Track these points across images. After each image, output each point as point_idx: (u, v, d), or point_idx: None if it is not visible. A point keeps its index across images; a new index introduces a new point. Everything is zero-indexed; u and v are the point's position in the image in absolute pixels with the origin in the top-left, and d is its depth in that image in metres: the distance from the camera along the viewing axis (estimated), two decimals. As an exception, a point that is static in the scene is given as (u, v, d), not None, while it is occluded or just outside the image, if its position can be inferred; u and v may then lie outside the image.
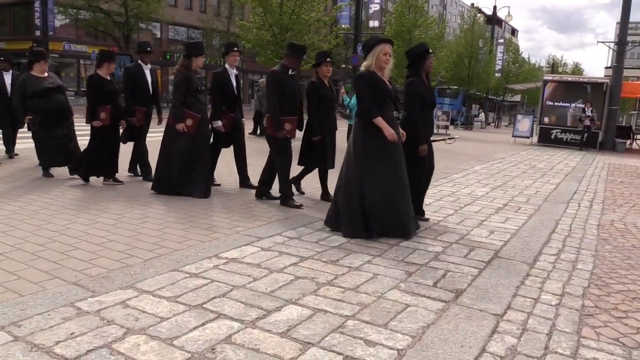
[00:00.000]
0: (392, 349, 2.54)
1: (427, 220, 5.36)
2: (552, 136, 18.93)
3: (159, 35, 40.23)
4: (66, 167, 7.04)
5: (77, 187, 6.41)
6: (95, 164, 6.58)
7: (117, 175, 6.81)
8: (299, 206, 5.68)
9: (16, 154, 8.78)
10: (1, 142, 9.05)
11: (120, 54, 29.82)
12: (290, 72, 5.73)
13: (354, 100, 9.68)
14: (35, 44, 8.30)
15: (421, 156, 5.08)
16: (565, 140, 18.60)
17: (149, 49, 7.19)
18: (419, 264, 3.90)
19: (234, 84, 6.63)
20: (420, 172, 5.16)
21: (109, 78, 6.59)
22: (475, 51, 40.86)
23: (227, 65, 6.61)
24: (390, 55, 4.65)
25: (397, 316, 2.93)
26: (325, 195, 6.24)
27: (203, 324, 2.70)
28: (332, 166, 6.20)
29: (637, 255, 4.53)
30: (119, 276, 3.34)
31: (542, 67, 65.64)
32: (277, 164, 5.81)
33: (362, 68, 4.69)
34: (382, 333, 2.70)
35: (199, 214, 5.23)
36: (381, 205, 4.54)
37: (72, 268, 3.49)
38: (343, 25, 23.39)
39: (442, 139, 8.89)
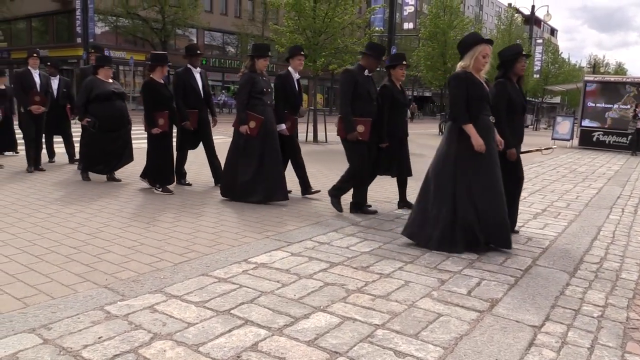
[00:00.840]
0: (423, 360, 2.45)
1: (516, 232, 5.00)
2: (594, 139, 18.33)
3: (195, 41, 40.85)
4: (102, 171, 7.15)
5: (111, 190, 6.51)
6: (158, 171, 6.47)
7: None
8: (374, 212, 5.62)
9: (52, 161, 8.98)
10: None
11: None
12: (366, 72, 5.44)
13: None
14: (92, 50, 8.37)
15: (510, 161, 4.72)
16: (608, 143, 17.98)
17: (198, 51, 7.08)
18: (452, 271, 3.78)
19: (296, 87, 6.37)
20: (507, 180, 4.59)
21: (162, 82, 6.47)
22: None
23: (290, 69, 6.37)
24: (489, 58, 4.36)
25: (429, 326, 2.83)
26: (403, 202, 6.04)
27: (230, 331, 2.67)
28: (410, 174, 5.93)
29: (686, 264, 4.29)
30: (149, 280, 3.35)
31: (583, 67, 63.90)
32: (350, 167, 5.52)
33: (458, 68, 4.38)
34: (413, 344, 2.61)
35: (230, 217, 5.22)
36: (475, 215, 4.26)
37: (103, 271, 3.52)
38: (377, 28, 23.25)
39: (538, 149, 8.51)
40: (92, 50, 8.47)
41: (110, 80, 7.05)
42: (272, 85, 6.29)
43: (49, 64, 8.84)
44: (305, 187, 6.49)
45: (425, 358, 2.47)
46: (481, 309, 3.09)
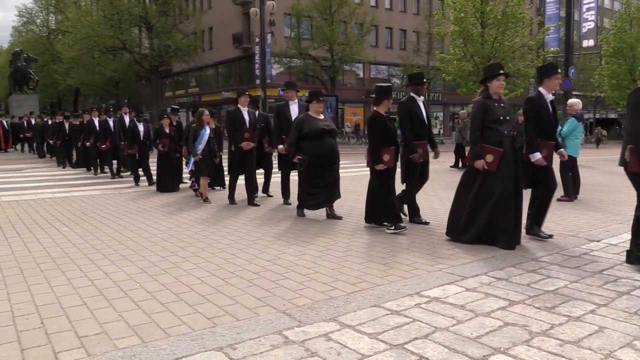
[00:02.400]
0: (628, 421, 2.12)
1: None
2: None
3: (361, 75, 42.31)
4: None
5: (288, 219, 6.89)
6: (383, 209, 6.09)
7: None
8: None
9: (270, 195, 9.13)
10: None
11: (327, 95, 32.10)
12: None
13: (566, 127, 8.81)
14: (285, 88, 8.73)
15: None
16: None
17: (424, 80, 6.78)
18: (659, 318, 3.26)
19: (550, 110, 5.62)
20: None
21: (387, 115, 6.20)
22: None
23: (541, 89, 5.61)
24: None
25: (634, 381, 2.45)
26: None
27: (404, 366, 2.60)
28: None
29: None
30: (323, 308, 3.42)
31: None
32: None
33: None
34: (615, 400, 2.28)
35: (401, 248, 5.17)
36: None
37: (281, 297, 3.70)
38: (551, 49, 21.73)
39: None
40: (285, 88, 8.62)
41: (322, 117, 6.94)
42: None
43: (250, 100, 9.03)
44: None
45: (631, 419, 2.14)
46: (701, 367, 2.60)
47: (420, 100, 6.47)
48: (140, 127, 11.17)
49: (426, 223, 6.45)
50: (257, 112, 8.86)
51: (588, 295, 3.71)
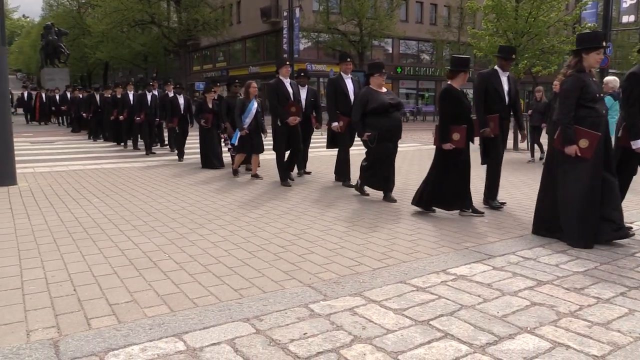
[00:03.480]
0: (657, 404, 2.09)
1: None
2: None
3: (390, 51, 41.66)
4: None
5: (314, 193, 6.90)
6: (437, 194, 5.60)
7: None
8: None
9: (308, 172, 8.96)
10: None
11: (355, 71, 31.79)
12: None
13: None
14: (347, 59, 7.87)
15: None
16: None
17: (514, 55, 6.29)
18: (692, 302, 3.19)
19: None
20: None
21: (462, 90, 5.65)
22: None
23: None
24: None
25: (664, 365, 2.41)
26: None
27: (429, 342, 2.60)
28: None
29: None
30: (349, 283, 3.44)
31: None
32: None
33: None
34: (644, 383, 2.25)
35: (427, 226, 5.15)
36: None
37: (307, 271, 3.72)
38: (588, 24, 20.99)
39: None
40: (340, 61, 7.90)
41: (384, 90, 6.50)
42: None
43: (302, 74, 8.66)
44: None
45: (660, 402, 2.11)
46: None
47: (504, 74, 5.95)
48: (181, 99, 10.92)
49: (503, 206, 6.05)
50: (306, 87, 8.49)
51: (619, 277, 3.64)
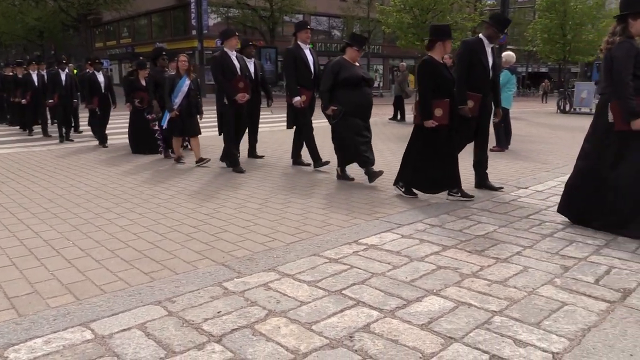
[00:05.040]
0: (545, 351, 2.29)
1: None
2: None
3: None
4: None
5: (229, 173, 6.80)
6: (419, 178, 5.20)
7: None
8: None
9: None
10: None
11: (266, 47, 31.42)
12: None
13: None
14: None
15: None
16: None
17: (506, 27, 5.85)
18: (577, 257, 3.50)
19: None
20: None
21: (444, 62, 5.22)
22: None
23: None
24: None
25: (552, 315, 2.64)
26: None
27: (342, 311, 2.67)
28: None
29: None
30: (263, 259, 3.45)
31: None
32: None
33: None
34: (534, 333, 2.45)
35: (339, 199, 5.25)
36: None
37: (220, 249, 3.69)
38: (488, 2, 22.07)
39: None
40: (296, 30, 7.04)
41: (357, 64, 6.07)
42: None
43: (250, 43, 8.02)
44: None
45: (548, 349, 2.31)
46: (611, 300, 2.83)
47: (489, 46, 5.48)
48: (100, 77, 9.75)
49: (499, 188, 5.66)
50: (252, 60, 7.83)
51: (515, 238, 3.92)
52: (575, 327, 2.51)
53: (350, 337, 2.41)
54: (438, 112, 4.93)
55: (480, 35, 5.51)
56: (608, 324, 2.55)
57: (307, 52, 6.91)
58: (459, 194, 5.17)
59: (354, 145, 5.85)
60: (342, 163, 6.21)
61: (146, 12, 40.41)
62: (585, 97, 19.31)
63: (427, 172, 5.09)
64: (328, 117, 5.98)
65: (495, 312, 2.67)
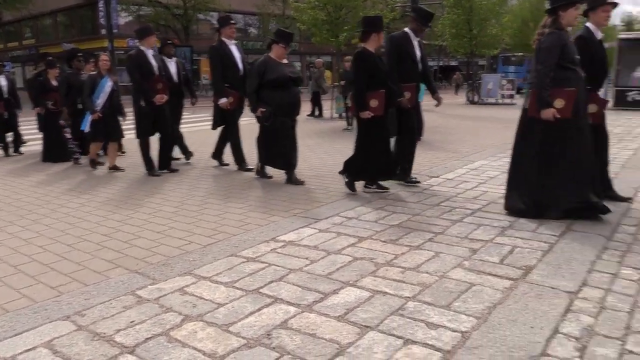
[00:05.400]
0: (455, 331, 2.41)
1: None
2: (630, 99, 17.63)
3: (216, 25, 40.72)
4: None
5: (141, 178, 6.58)
6: (367, 169, 5.22)
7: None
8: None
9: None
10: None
11: (181, 46, 30.60)
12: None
13: None
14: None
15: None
16: (643, 102, 17.24)
17: (430, 23, 5.71)
18: (483, 240, 3.70)
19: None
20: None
21: (375, 53, 5.17)
22: (542, 14, 38.58)
23: (589, 25, 4.67)
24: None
25: (461, 296, 2.77)
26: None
27: (259, 309, 2.67)
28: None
29: None
30: (178, 263, 3.37)
31: (617, 25, 61.26)
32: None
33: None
34: (445, 315, 2.57)
35: (257, 198, 5.22)
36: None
37: (134, 257, 3.56)
38: (399, -2, 22.80)
39: None
40: (220, 26, 6.88)
41: (285, 61, 5.92)
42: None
43: (169, 42, 7.66)
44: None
45: (458, 328, 2.43)
46: (514, 277, 3.02)
47: (415, 39, 5.52)
48: (2, 80, 8.78)
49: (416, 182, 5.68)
50: (174, 59, 7.49)
51: (427, 225, 4.08)
52: (482, 306, 2.65)
53: (268, 335, 2.41)
54: (373, 103, 4.98)
55: (406, 29, 5.56)
56: (511, 300, 2.71)
57: (234, 49, 6.64)
58: (375, 186, 5.29)
59: (281, 153, 5.82)
60: (263, 160, 6.12)
61: (51, 11, 38.17)
62: (492, 88, 20.36)
63: (369, 162, 5.15)
64: (258, 118, 5.85)
65: (408, 297, 2.77)
